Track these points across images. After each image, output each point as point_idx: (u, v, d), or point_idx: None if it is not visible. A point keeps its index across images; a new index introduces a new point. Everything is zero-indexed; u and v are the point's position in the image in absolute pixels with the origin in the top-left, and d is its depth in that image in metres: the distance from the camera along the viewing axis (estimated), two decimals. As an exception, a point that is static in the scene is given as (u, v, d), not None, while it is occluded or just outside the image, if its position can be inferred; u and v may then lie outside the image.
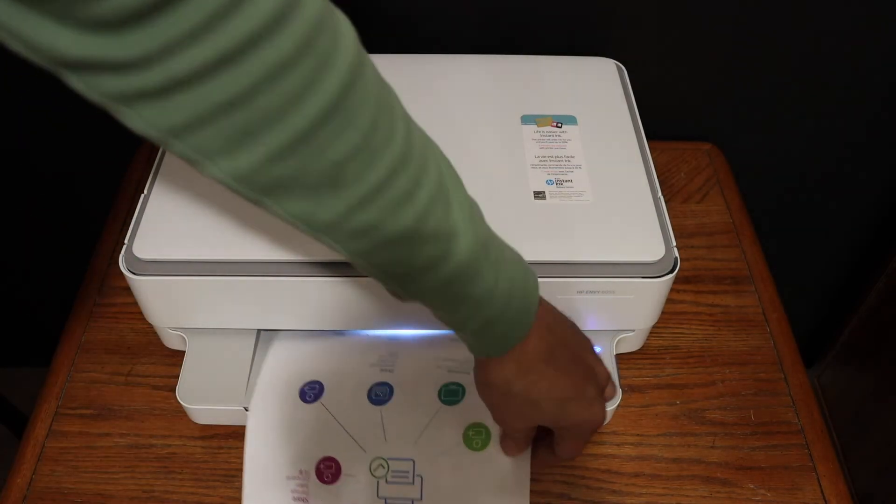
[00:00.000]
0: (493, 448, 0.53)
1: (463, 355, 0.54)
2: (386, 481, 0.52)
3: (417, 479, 0.52)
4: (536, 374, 0.44)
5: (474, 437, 0.53)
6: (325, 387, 0.55)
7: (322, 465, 0.52)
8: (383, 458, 0.52)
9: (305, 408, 0.54)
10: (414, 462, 0.52)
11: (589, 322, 0.61)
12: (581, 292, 0.56)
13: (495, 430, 0.53)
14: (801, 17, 0.78)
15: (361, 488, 0.51)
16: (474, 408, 0.52)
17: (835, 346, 1.14)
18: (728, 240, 0.76)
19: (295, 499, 0.52)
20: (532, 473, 0.60)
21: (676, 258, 0.57)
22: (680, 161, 0.83)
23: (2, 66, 0.82)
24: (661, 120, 0.78)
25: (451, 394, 0.55)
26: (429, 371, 0.56)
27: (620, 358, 0.65)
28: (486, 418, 0.49)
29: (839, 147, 0.91)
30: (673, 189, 0.80)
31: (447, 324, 0.44)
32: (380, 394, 0.55)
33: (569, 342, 0.47)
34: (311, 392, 0.55)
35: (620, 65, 0.71)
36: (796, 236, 1.03)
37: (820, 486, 0.59)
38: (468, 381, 0.53)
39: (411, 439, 0.53)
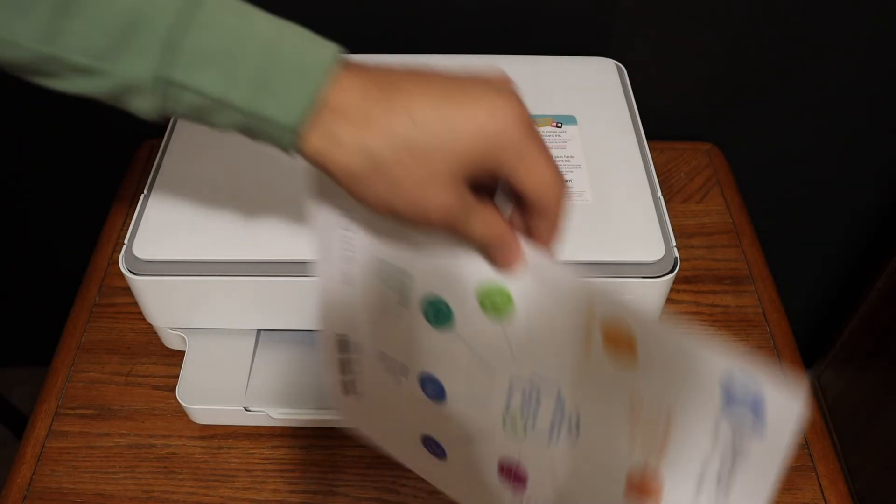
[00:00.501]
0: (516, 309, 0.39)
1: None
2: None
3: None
4: (374, 104, 0.32)
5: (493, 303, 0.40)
6: None
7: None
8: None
9: None
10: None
11: (589, 322, 0.61)
12: (581, 292, 0.56)
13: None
14: (801, 17, 0.78)
15: None
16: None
17: (835, 346, 1.14)
18: (728, 240, 0.76)
19: None
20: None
21: (676, 258, 0.57)
22: (680, 161, 0.83)
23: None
24: (661, 120, 0.78)
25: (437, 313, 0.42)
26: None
27: (620, 358, 0.65)
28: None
29: (839, 147, 0.92)
30: (673, 189, 0.80)
31: (215, 115, 0.33)
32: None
33: (416, 71, 0.34)
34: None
35: (620, 65, 0.72)
36: (796, 236, 1.03)
37: (820, 485, 0.59)
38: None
39: None
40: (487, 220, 0.35)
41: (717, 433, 0.35)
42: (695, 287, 0.72)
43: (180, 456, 0.60)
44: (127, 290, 0.59)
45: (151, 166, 0.62)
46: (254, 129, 0.34)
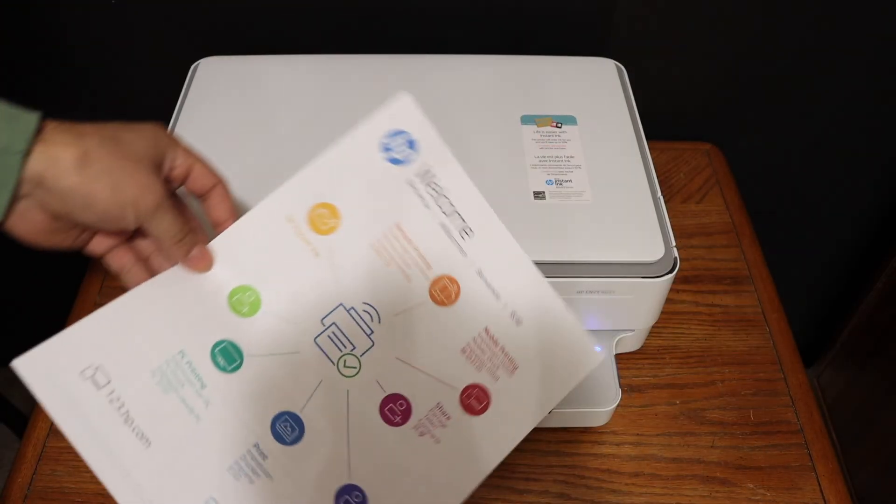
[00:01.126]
0: (263, 309, 0.44)
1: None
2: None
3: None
4: (80, 125, 0.40)
5: (238, 304, 0.44)
6: None
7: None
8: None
9: None
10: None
11: (589, 322, 0.61)
12: (581, 292, 0.57)
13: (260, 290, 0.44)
14: (800, 18, 0.78)
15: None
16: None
17: (835, 346, 1.14)
18: (727, 240, 0.76)
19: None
20: (531, 473, 0.60)
21: (676, 258, 0.57)
22: (680, 161, 0.83)
23: (4, 68, 0.82)
24: (661, 120, 0.78)
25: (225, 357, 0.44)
26: None
27: (620, 358, 0.65)
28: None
29: (839, 147, 0.92)
30: (673, 189, 0.80)
31: None
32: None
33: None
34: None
35: (620, 65, 0.72)
36: (796, 236, 1.03)
37: (819, 485, 0.59)
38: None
39: None
40: (179, 216, 0.42)
41: (414, 187, 0.44)
42: (694, 287, 0.72)
43: (181, 455, 0.60)
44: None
45: (152, 166, 0.62)
46: None
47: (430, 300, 0.45)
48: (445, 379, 0.45)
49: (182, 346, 0.42)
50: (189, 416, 0.41)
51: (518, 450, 0.60)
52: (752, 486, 0.59)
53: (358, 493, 0.43)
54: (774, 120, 0.89)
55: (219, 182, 0.45)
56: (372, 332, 0.44)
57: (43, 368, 0.39)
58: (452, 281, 0.45)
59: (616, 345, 0.62)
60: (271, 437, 0.43)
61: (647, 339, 0.66)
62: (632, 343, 0.65)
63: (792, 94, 0.86)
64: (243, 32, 0.80)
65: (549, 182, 0.60)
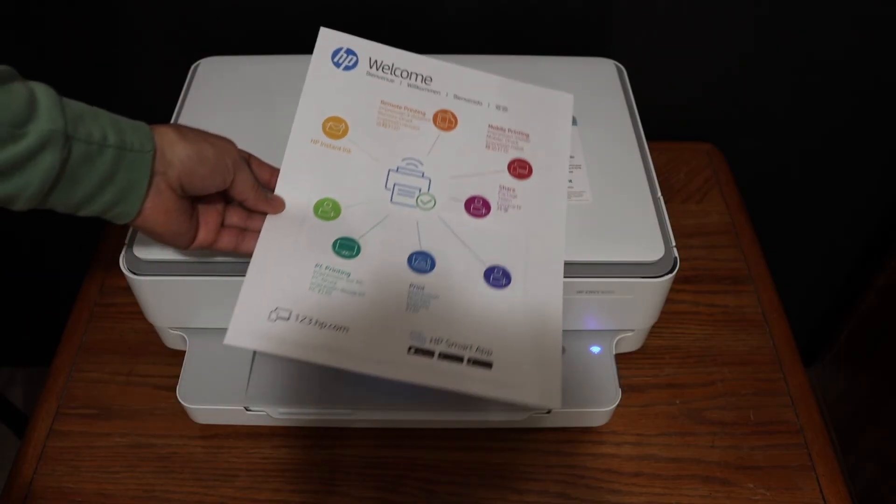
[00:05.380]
0: (343, 206, 0.56)
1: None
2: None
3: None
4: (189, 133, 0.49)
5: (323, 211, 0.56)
6: None
7: None
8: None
9: None
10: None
11: (589, 322, 0.61)
12: (581, 292, 0.57)
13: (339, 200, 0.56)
14: (799, 18, 0.78)
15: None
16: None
17: (835, 346, 1.14)
18: (727, 240, 0.76)
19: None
20: (531, 473, 0.60)
21: (676, 258, 0.57)
22: (680, 161, 0.83)
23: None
24: (661, 120, 0.78)
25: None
26: None
27: (620, 358, 0.65)
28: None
29: (838, 147, 0.92)
30: (672, 189, 0.80)
31: (94, 161, 0.43)
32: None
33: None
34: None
35: (620, 65, 0.72)
36: (796, 236, 1.03)
37: (819, 485, 0.59)
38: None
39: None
40: (251, 176, 0.52)
41: (374, 76, 0.61)
42: (694, 287, 0.72)
43: (181, 455, 0.60)
44: (128, 290, 0.59)
45: (152, 166, 0.62)
46: (120, 167, 0.44)
47: (442, 132, 0.60)
48: (492, 168, 0.59)
49: (315, 261, 0.53)
50: (355, 297, 0.52)
51: (518, 450, 0.61)
52: (751, 485, 0.59)
53: (499, 269, 0.55)
54: (774, 120, 0.89)
55: (250, 155, 0.54)
56: (423, 173, 0.58)
57: (246, 333, 0.49)
58: (445, 111, 0.61)
59: (616, 345, 0.62)
60: (416, 275, 0.54)
61: (647, 339, 0.66)
62: (632, 343, 0.65)
63: (791, 94, 0.86)
64: (243, 32, 0.80)
65: (548, 182, 0.61)
